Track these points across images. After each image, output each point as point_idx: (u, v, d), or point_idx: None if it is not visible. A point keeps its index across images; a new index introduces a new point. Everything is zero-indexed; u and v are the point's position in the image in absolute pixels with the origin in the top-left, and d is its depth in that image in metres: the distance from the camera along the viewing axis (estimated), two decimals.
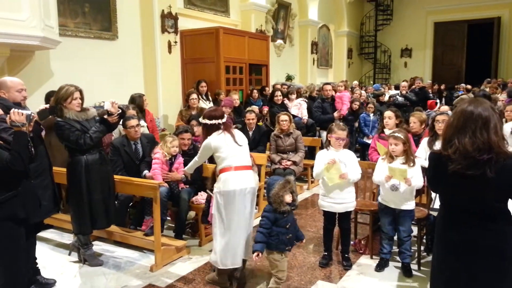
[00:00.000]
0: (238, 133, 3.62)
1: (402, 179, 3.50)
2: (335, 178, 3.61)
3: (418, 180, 3.56)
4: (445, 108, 6.12)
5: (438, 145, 3.90)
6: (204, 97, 7.33)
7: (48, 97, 5.07)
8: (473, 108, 2.00)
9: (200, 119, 3.66)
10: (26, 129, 2.76)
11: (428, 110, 9.05)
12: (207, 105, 6.98)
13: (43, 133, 3.65)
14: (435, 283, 2.28)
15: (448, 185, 2.12)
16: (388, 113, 4.76)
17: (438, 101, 9.93)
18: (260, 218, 3.25)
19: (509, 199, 2.08)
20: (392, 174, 3.53)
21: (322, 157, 3.75)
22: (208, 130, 3.55)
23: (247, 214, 3.43)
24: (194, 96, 6.59)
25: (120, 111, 3.74)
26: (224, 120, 3.55)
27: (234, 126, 6.35)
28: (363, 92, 9.63)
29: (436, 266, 2.25)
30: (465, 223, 2.09)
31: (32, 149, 2.90)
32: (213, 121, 3.51)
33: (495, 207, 2.02)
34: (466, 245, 2.08)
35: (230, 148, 3.44)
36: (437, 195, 3.14)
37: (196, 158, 3.79)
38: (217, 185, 3.43)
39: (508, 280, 2.05)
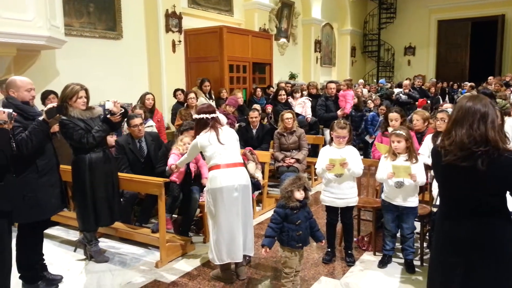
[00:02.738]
0: (225, 131, 3.59)
1: (407, 175, 3.52)
2: (336, 167, 3.62)
3: (421, 176, 3.58)
4: (448, 105, 6.14)
5: None
6: (207, 96, 7.37)
7: (43, 96, 5.13)
8: (472, 103, 2.04)
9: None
10: (7, 126, 2.80)
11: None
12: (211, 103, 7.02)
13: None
14: (432, 276, 2.30)
15: (443, 177, 2.16)
16: (394, 115, 4.62)
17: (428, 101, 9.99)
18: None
19: (506, 195, 2.07)
20: (396, 171, 3.55)
21: (325, 154, 3.77)
22: (197, 124, 3.62)
23: (239, 211, 3.43)
24: (192, 95, 6.61)
25: (123, 110, 3.78)
26: (213, 115, 3.57)
27: (237, 124, 6.45)
28: (364, 90, 9.63)
29: (435, 259, 2.27)
30: (462, 217, 2.10)
31: (14, 145, 2.97)
32: (202, 116, 3.55)
33: (488, 201, 2.03)
34: (462, 239, 2.09)
35: (214, 146, 3.47)
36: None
37: (186, 155, 3.88)
38: (207, 183, 3.50)
39: (505, 276, 2.05)
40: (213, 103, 7.13)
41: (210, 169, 3.49)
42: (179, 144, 4.46)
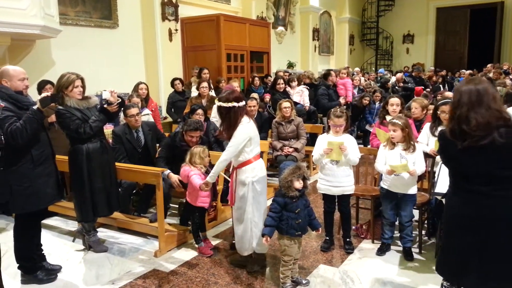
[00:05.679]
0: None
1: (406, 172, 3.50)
2: (333, 152, 3.62)
3: (420, 165, 3.57)
4: (449, 94, 6.08)
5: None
6: None
7: (40, 86, 5.06)
8: (481, 85, 2.16)
9: (222, 104, 3.34)
10: None
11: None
12: (212, 93, 6.95)
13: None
14: (447, 258, 2.31)
15: (461, 160, 2.18)
16: (395, 100, 4.57)
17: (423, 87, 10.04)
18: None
19: None
20: (394, 169, 3.53)
21: (322, 141, 3.76)
22: (234, 113, 3.31)
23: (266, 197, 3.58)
24: (205, 84, 6.45)
25: (120, 100, 3.74)
26: (244, 103, 3.40)
27: None
28: (362, 79, 9.60)
29: (448, 241, 2.28)
30: (479, 196, 2.14)
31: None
32: (238, 103, 3.32)
33: (504, 176, 2.11)
34: (483, 218, 2.13)
35: (258, 136, 3.49)
36: (438, 179, 3.16)
37: (224, 156, 3.36)
38: (251, 174, 3.34)
39: None
40: (212, 93, 7.06)
41: (250, 161, 3.35)
42: (198, 157, 3.84)
